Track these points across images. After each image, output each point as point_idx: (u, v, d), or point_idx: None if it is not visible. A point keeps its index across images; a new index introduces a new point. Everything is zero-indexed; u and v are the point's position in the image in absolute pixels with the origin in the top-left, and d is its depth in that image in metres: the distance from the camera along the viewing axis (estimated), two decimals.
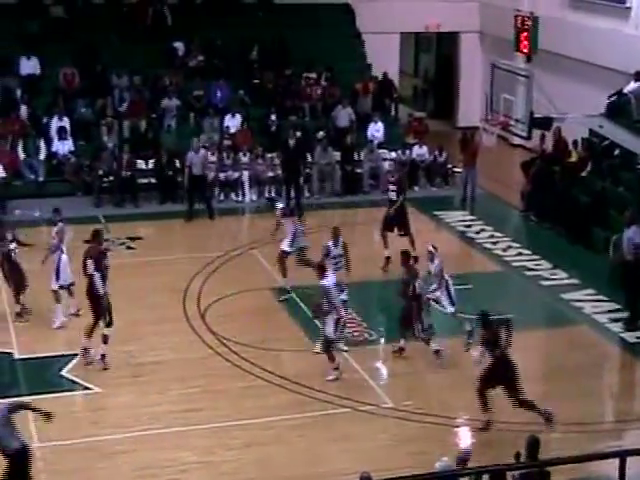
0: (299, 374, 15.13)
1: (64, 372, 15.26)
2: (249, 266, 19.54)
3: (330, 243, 16.85)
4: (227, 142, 24.58)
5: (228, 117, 25.18)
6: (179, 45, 26.65)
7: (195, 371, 15.35)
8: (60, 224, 16.86)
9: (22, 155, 23.71)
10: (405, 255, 15.97)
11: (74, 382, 15.03)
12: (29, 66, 25.45)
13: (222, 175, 23.97)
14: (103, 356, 15.30)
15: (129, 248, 20.66)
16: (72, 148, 24.13)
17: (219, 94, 25.91)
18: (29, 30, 25.82)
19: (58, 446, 13.31)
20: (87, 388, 14.87)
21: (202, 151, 22.99)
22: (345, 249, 16.86)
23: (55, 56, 25.37)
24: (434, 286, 16.14)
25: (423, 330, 15.56)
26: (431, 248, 16.37)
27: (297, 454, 13.23)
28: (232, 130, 25.00)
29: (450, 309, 16.25)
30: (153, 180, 23.81)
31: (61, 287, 16.66)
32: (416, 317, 15.51)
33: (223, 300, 17.83)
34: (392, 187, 19.68)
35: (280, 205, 18.89)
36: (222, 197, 23.89)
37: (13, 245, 16.98)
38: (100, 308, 15.18)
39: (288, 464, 13.00)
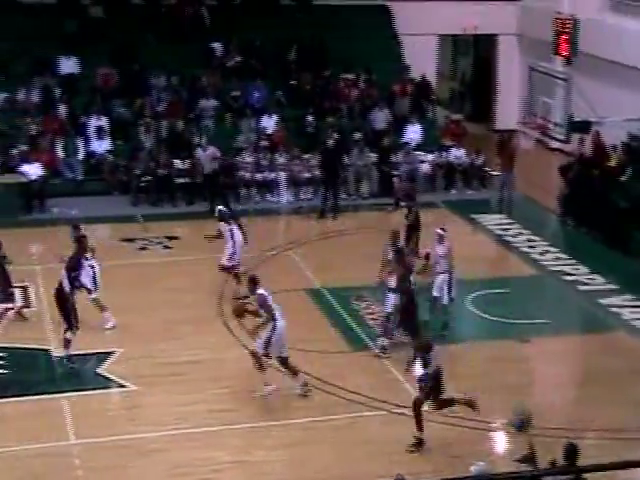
0: (334, 375, 15.11)
1: (100, 369, 15.35)
2: (285, 267, 19.53)
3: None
4: (264, 143, 24.62)
5: (265, 118, 25.22)
6: (217, 46, 26.72)
7: (230, 371, 15.37)
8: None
9: (61, 154, 23.91)
10: (398, 252, 16.07)
11: (110, 380, 15.12)
12: (68, 65, 25.66)
13: (259, 175, 24.01)
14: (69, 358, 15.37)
15: (166, 247, 20.75)
16: (109, 147, 24.31)
17: (256, 95, 25.96)
18: (68, 30, 26.01)
19: (93, 443, 13.39)
20: (122, 386, 14.96)
21: (210, 149, 23.01)
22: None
23: (93, 56, 25.56)
24: (440, 269, 16.30)
25: (394, 323, 15.80)
26: (440, 231, 16.59)
27: (331, 456, 13.21)
28: (269, 131, 25.03)
29: (445, 300, 16.38)
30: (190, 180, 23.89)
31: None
32: (400, 311, 15.69)
33: None
34: (403, 202, 19.89)
35: (221, 210, 18.28)
36: (258, 198, 23.93)
37: None
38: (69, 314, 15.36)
39: (322, 465, 12.98)
